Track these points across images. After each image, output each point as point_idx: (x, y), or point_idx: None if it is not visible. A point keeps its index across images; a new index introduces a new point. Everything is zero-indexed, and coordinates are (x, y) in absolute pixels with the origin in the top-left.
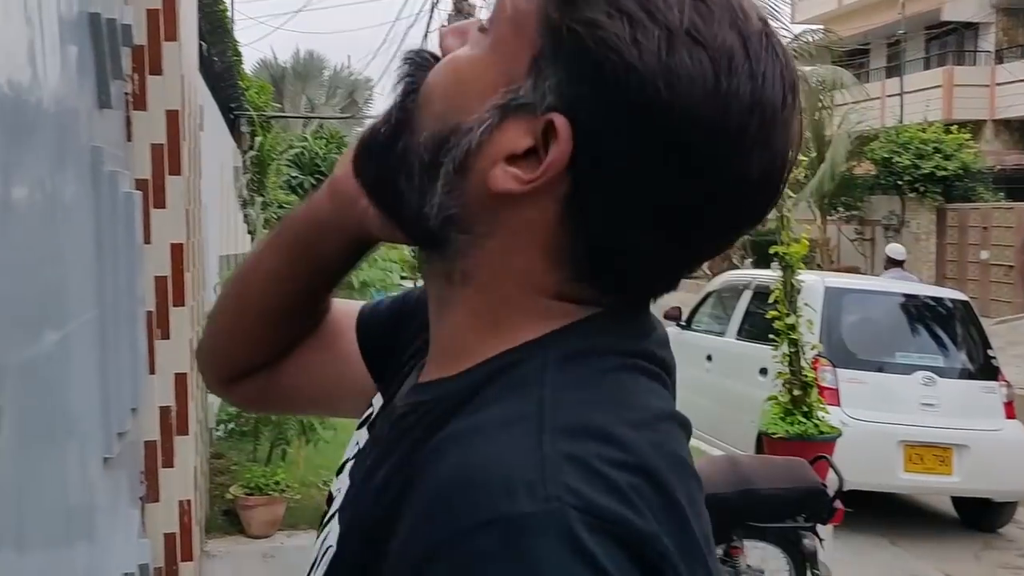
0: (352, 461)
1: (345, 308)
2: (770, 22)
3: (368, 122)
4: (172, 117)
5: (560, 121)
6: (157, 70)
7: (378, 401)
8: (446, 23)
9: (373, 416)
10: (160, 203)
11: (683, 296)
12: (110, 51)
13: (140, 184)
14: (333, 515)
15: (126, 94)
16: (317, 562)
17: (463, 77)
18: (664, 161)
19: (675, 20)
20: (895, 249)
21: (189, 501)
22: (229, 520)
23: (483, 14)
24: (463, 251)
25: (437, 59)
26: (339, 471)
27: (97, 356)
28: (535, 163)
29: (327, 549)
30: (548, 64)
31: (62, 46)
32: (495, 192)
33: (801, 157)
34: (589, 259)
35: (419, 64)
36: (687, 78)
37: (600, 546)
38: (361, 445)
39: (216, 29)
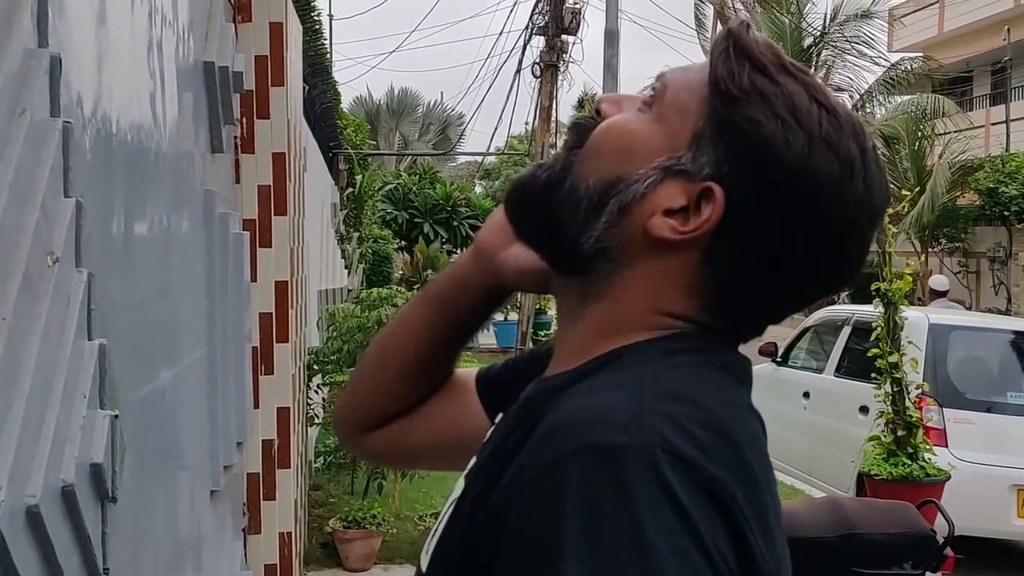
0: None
1: (464, 372)
2: (878, 154)
3: (523, 169)
4: (278, 159)
5: (717, 189)
6: (265, 114)
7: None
8: (539, 61)
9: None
10: (266, 242)
11: (774, 331)
12: (222, 98)
13: (247, 224)
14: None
15: (235, 138)
16: (436, 528)
17: (633, 139)
18: (792, 233)
19: (815, 128)
20: (938, 281)
21: (290, 533)
22: (327, 552)
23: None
24: (605, 276)
25: (597, 122)
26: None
27: (207, 391)
28: (685, 218)
29: (449, 506)
30: (708, 143)
31: (179, 95)
32: (653, 236)
33: (904, 192)
34: (719, 295)
35: (583, 127)
36: (822, 174)
37: (678, 480)
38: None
39: (317, 71)
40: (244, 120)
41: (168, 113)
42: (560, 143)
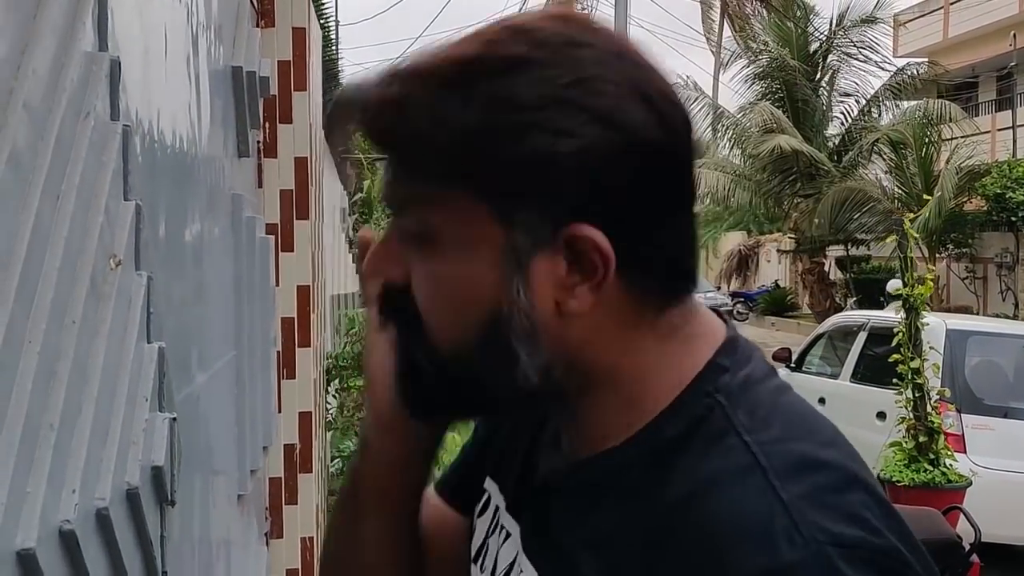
0: (521, 543)
1: (426, 512)
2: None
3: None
4: (300, 164)
5: (578, 229)
6: (287, 119)
7: (492, 487)
8: None
9: (500, 505)
10: (288, 247)
11: (785, 336)
12: (249, 102)
13: (270, 228)
14: None
15: (258, 142)
16: None
17: (459, 281)
18: (659, 190)
19: (602, 106)
20: (892, 284)
21: (312, 538)
22: None
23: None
24: (572, 379)
25: (400, 291)
26: (476, 557)
27: (234, 396)
28: (579, 274)
29: None
30: (513, 211)
31: (212, 98)
32: (576, 312)
33: (925, 196)
34: (659, 284)
35: (397, 307)
36: (633, 126)
37: (855, 570)
38: (513, 532)
39: (327, 76)
40: (267, 124)
41: (203, 117)
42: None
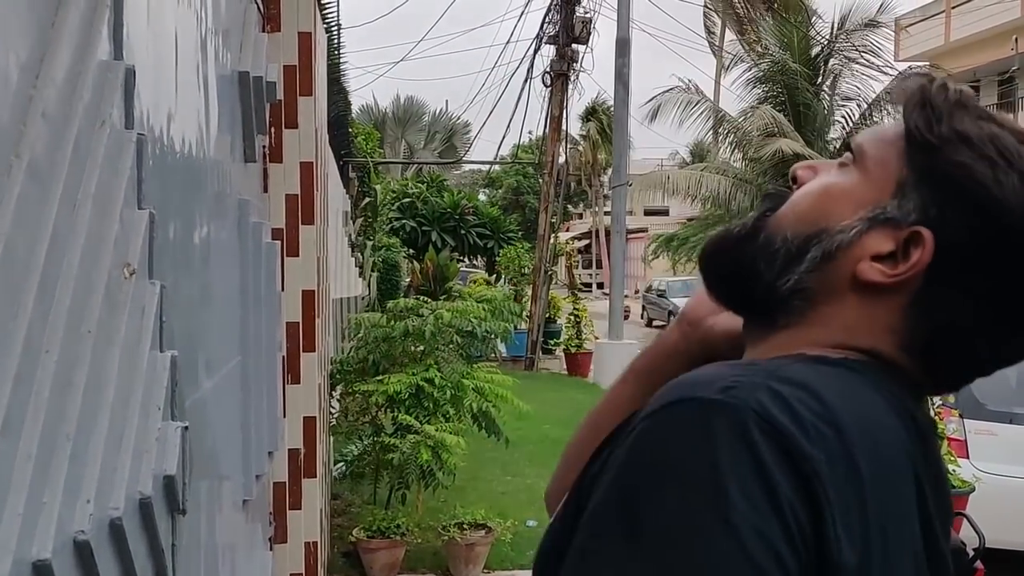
0: None
1: None
2: None
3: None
4: (306, 169)
5: (926, 232)
6: (293, 124)
7: None
8: (549, 70)
9: None
10: (293, 251)
11: None
12: (256, 108)
13: (275, 233)
14: None
15: (263, 147)
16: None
17: (835, 196)
18: (1008, 278)
19: None
20: None
21: (315, 543)
22: (349, 562)
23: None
24: (799, 311)
25: (789, 190)
26: None
27: (240, 401)
28: (892, 263)
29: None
30: (912, 190)
31: (220, 104)
32: (862, 280)
33: None
34: (925, 338)
35: (778, 196)
36: None
37: (763, 441)
38: None
39: (330, 80)
40: (273, 129)
41: (211, 123)
42: (568, 152)
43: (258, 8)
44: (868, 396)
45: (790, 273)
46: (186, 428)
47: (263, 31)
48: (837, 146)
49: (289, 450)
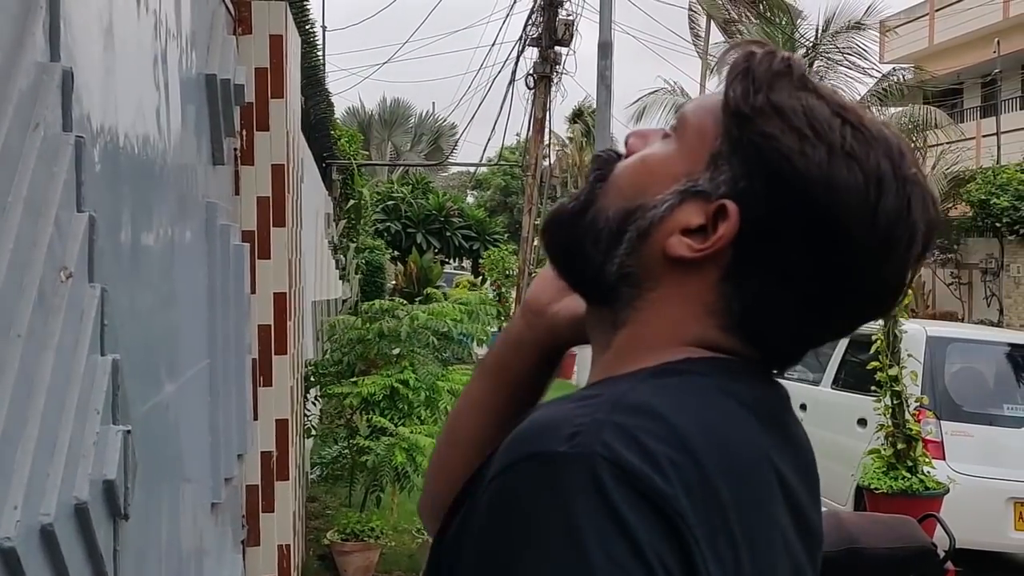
0: None
1: None
2: (923, 176)
3: (561, 207)
4: (277, 171)
5: (731, 206)
6: (264, 126)
7: None
8: (532, 72)
9: None
10: (265, 254)
11: None
12: (224, 110)
13: (246, 235)
14: None
15: (235, 150)
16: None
17: (652, 168)
18: (814, 251)
19: (836, 140)
20: None
21: (288, 545)
22: (324, 565)
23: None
24: (630, 302)
25: (619, 156)
26: None
27: (208, 404)
28: (703, 237)
29: None
30: (724, 162)
31: (183, 107)
32: (671, 256)
33: None
34: (740, 314)
35: (607, 159)
36: (843, 187)
37: (617, 489)
38: None
39: (311, 82)
40: (244, 132)
41: (172, 125)
42: (553, 155)
43: (228, 11)
44: (716, 403)
45: (613, 256)
46: (128, 432)
47: (233, 34)
48: None
49: (262, 453)
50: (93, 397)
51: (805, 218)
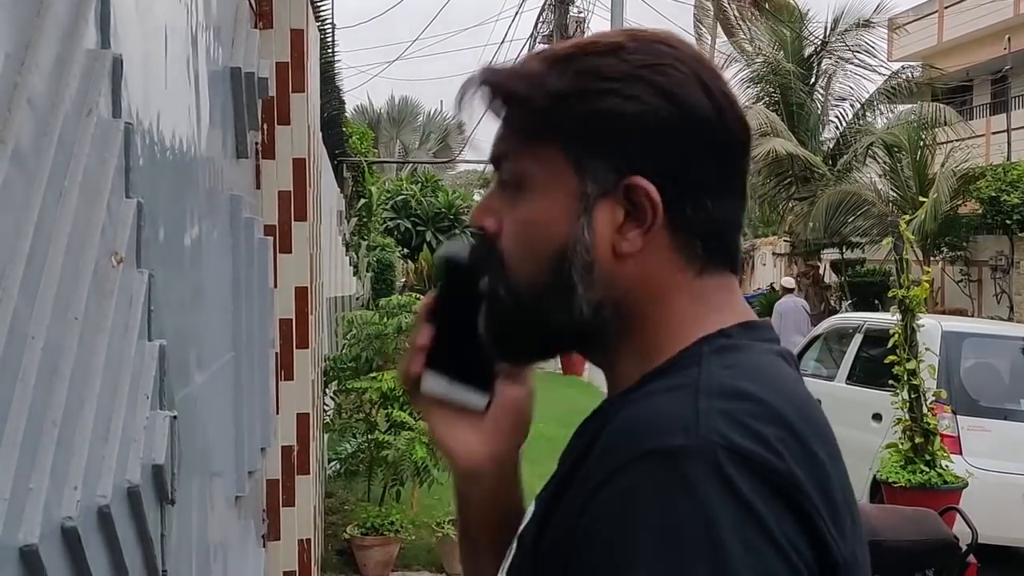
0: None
1: None
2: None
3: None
4: (299, 165)
5: (635, 179)
6: (285, 120)
7: None
8: None
9: None
10: (286, 248)
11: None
12: (248, 103)
13: (268, 229)
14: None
15: (256, 143)
16: (508, 552)
17: (538, 221)
18: (702, 152)
19: (667, 84)
20: (786, 281)
21: (308, 540)
22: (344, 559)
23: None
24: (615, 320)
25: (481, 235)
26: None
27: (232, 397)
28: (634, 221)
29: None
30: (586, 159)
31: (211, 99)
32: (628, 255)
33: (922, 199)
34: (703, 249)
35: (489, 248)
36: (683, 95)
37: (741, 476)
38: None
39: (324, 79)
40: (265, 126)
41: (202, 117)
42: None
43: (250, 5)
44: (778, 369)
45: (576, 304)
46: (175, 418)
47: (255, 28)
48: (831, 145)
49: (282, 447)
50: (143, 382)
51: (684, 145)
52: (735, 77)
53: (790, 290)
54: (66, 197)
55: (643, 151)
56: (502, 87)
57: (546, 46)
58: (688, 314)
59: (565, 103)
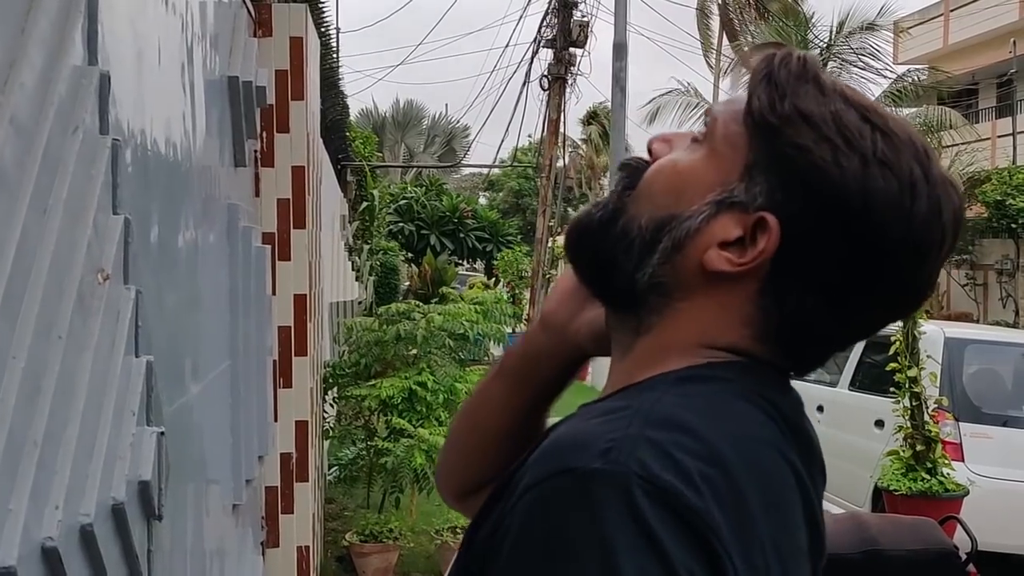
0: None
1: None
2: (949, 175)
3: (582, 208)
4: (298, 173)
5: (772, 219)
6: (284, 128)
7: None
8: (547, 73)
9: None
10: (285, 256)
11: None
12: (246, 112)
13: (267, 237)
14: None
15: (255, 151)
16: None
17: (684, 177)
18: (854, 260)
19: (868, 148)
20: None
21: (307, 547)
22: (343, 566)
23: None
24: (657, 310)
25: (647, 163)
26: None
27: (230, 405)
28: (741, 250)
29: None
30: (759, 173)
31: (207, 109)
32: (709, 269)
33: None
34: (780, 326)
35: (635, 168)
36: (880, 194)
37: (650, 506)
38: None
39: (327, 84)
40: (264, 134)
41: (198, 127)
42: (567, 156)
43: (249, 13)
44: (742, 410)
45: (645, 266)
46: (162, 434)
47: (254, 36)
48: None
49: (281, 454)
50: (129, 399)
51: (843, 228)
52: (741, 80)
53: None
54: (50, 215)
55: (803, 209)
56: (774, 77)
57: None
58: (708, 345)
59: (797, 122)
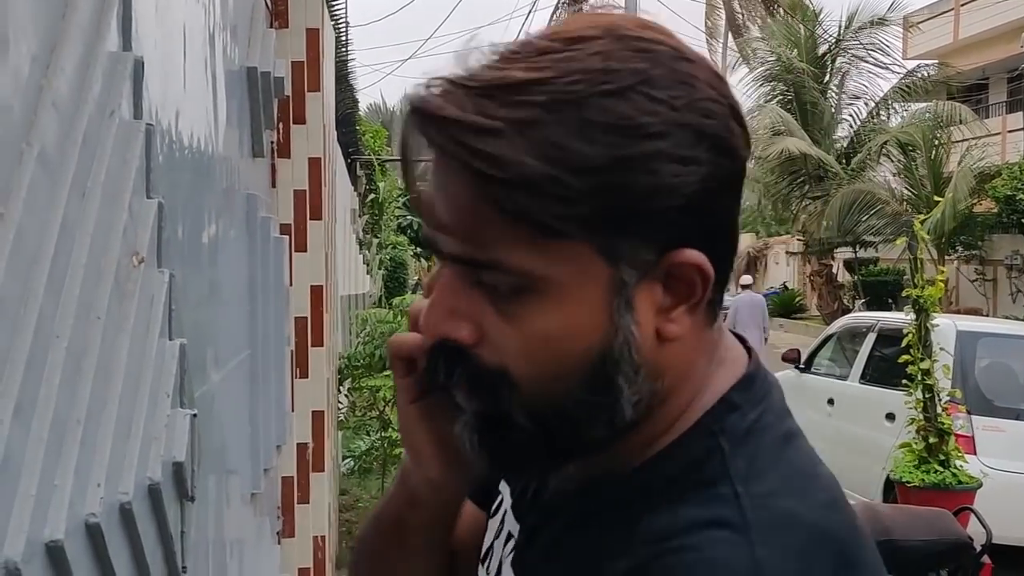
0: (511, 552)
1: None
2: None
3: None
4: (314, 164)
5: (684, 254)
6: (301, 119)
7: (505, 488)
8: None
9: (507, 506)
10: (301, 247)
11: (794, 338)
12: (264, 103)
13: (283, 228)
14: None
15: (271, 143)
16: None
17: (565, 332)
18: (732, 206)
19: (715, 130)
20: (744, 278)
21: (324, 537)
22: None
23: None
24: (646, 408)
25: (455, 345)
26: (483, 558)
27: (249, 394)
28: (677, 298)
29: None
30: (621, 243)
31: (228, 99)
32: (677, 335)
33: (936, 198)
34: (718, 299)
35: (454, 356)
36: (736, 150)
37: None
38: (515, 534)
39: (339, 77)
40: (281, 125)
41: (219, 117)
42: None
43: (266, 4)
44: (803, 456)
45: (621, 406)
46: (195, 416)
47: (271, 27)
48: (845, 144)
49: (297, 444)
50: (163, 380)
51: (725, 191)
52: (748, 75)
53: (748, 287)
54: (89, 198)
55: (694, 219)
56: (486, 160)
57: (504, 49)
58: (703, 377)
59: (606, 183)
